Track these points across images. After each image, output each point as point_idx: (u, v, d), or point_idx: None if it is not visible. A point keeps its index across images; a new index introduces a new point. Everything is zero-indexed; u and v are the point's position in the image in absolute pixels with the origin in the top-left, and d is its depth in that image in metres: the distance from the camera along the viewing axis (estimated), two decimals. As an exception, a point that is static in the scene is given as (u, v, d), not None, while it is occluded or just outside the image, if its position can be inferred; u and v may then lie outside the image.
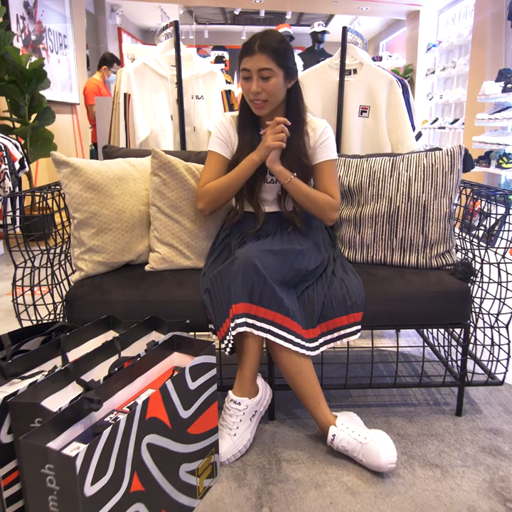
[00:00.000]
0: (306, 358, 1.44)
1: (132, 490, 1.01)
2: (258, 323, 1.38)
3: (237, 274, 1.38)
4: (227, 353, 1.42)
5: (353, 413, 1.50)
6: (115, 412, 1.05)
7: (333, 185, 1.59)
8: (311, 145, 1.59)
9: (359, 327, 1.49)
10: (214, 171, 1.61)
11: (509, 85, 3.85)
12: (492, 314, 1.62)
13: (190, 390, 1.19)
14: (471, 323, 1.62)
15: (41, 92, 3.88)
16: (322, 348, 1.48)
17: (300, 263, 1.50)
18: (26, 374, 1.14)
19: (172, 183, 1.63)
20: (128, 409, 1.05)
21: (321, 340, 1.49)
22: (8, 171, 3.14)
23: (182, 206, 1.65)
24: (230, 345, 1.39)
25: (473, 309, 1.62)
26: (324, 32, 4.91)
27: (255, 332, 1.38)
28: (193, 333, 1.47)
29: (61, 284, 1.68)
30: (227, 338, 1.38)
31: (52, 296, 1.66)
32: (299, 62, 4.90)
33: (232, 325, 1.36)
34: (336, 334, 1.49)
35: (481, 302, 1.65)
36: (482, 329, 1.66)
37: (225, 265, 1.47)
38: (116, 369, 1.12)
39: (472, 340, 1.66)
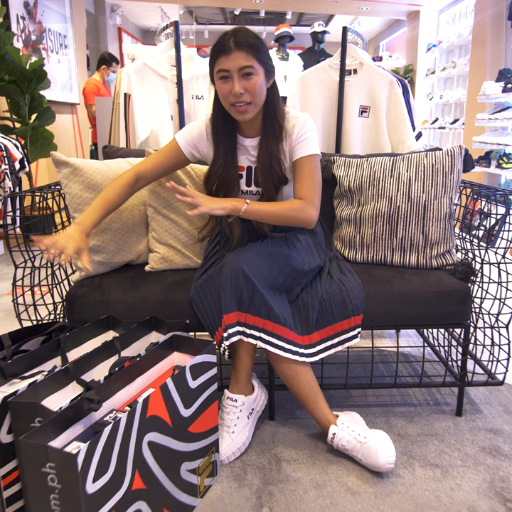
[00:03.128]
0: (302, 361, 1.43)
1: (134, 488, 1.01)
2: (248, 331, 1.37)
3: (226, 282, 1.36)
4: (226, 357, 1.42)
5: (355, 413, 1.50)
6: (114, 411, 1.05)
7: (308, 185, 1.47)
8: (288, 144, 1.49)
9: (359, 329, 1.49)
10: (164, 159, 1.52)
11: (509, 85, 3.85)
12: (492, 314, 1.62)
13: (191, 389, 1.19)
14: (471, 324, 1.62)
15: (41, 92, 3.88)
16: (323, 354, 1.46)
17: (292, 264, 1.45)
18: (26, 374, 1.14)
19: (167, 183, 1.63)
20: (128, 408, 1.05)
21: (321, 347, 1.46)
22: (8, 171, 3.14)
23: (178, 206, 1.65)
24: (226, 353, 1.40)
25: (473, 309, 1.62)
26: (324, 32, 4.91)
27: (245, 339, 1.37)
28: (193, 333, 1.47)
29: (61, 284, 1.68)
30: (222, 346, 1.38)
31: (52, 296, 1.66)
32: (299, 62, 4.90)
33: (225, 335, 1.36)
34: (337, 340, 1.47)
35: (481, 302, 1.65)
36: (482, 329, 1.66)
37: (212, 273, 1.44)
38: (116, 369, 1.12)
39: (472, 341, 1.66)
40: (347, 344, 1.47)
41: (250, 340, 1.37)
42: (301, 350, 1.42)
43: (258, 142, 1.50)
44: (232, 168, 1.51)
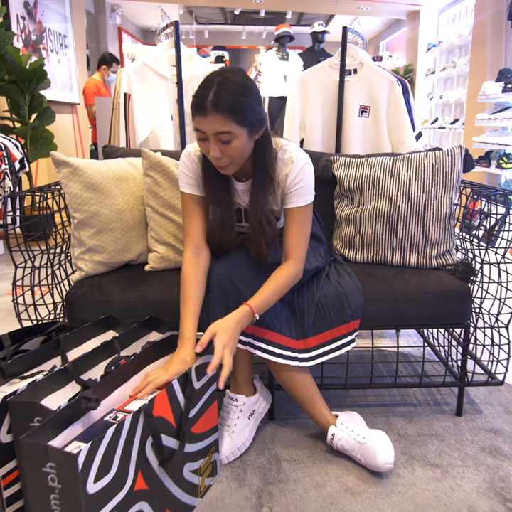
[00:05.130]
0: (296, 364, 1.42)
1: (136, 488, 1.01)
2: None
3: (212, 288, 1.34)
4: None
5: (355, 413, 1.50)
6: (114, 411, 1.05)
7: (297, 239, 1.37)
8: (281, 189, 1.38)
9: (356, 333, 1.47)
10: (196, 217, 1.41)
11: (509, 85, 3.85)
12: (492, 314, 1.62)
13: (195, 390, 1.19)
14: (471, 324, 1.62)
15: (41, 92, 3.88)
16: (320, 359, 1.43)
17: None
18: (26, 374, 1.14)
19: (164, 183, 1.63)
20: (129, 409, 1.05)
21: (318, 351, 1.44)
22: (8, 170, 3.14)
23: (176, 205, 1.64)
24: None
25: (473, 309, 1.62)
26: (324, 32, 4.92)
27: None
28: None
29: (61, 284, 1.68)
30: None
31: (52, 296, 1.66)
32: (299, 62, 4.91)
33: None
34: (335, 345, 1.45)
35: (481, 302, 1.65)
36: (482, 329, 1.66)
37: None
38: (112, 368, 1.12)
39: (472, 341, 1.66)
40: (345, 349, 1.45)
41: (239, 346, 1.36)
42: (293, 354, 1.40)
43: (249, 187, 1.40)
44: (229, 217, 1.41)
